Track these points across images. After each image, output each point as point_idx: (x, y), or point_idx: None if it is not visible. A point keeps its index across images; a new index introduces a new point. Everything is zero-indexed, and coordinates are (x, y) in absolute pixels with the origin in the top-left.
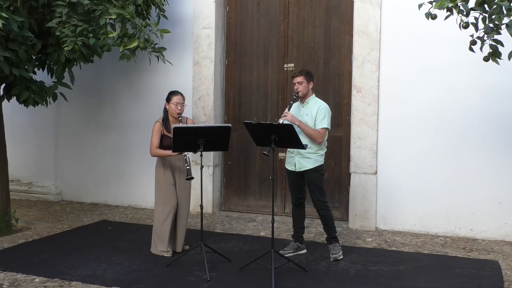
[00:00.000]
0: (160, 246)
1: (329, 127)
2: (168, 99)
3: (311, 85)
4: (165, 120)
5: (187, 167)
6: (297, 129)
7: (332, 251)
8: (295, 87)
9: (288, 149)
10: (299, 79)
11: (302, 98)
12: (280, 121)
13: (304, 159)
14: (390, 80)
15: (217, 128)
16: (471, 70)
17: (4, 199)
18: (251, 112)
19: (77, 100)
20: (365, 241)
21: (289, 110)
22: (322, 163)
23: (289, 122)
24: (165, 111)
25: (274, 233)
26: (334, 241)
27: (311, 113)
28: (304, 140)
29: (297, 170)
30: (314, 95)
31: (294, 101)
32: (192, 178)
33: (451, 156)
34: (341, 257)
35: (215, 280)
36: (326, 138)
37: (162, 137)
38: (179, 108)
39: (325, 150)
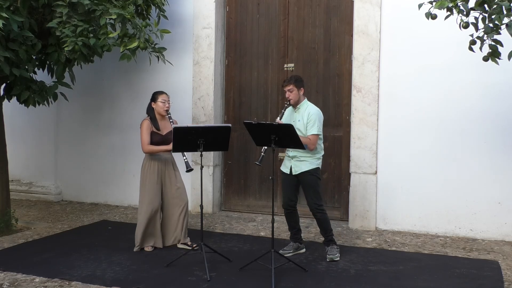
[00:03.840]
0: (137, 240)
1: (320, 133)
2: (154, 99)
3: (301, 91)
4: (153, 119)
5: (185, 160)
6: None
7: (329, 252)
8: (286, 95)
9: (286, 152)
10: (289, 87)
11: (294, 104)
12: None
13: (300, 162)
14: (390, 80)
15: (217, 128)
16: (471, 70)
17: (4, 199)
18: (251, 112)
19: (77, 100)
20: (365, 241)
21: (280, 119)
22: (319, 166)
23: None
24: (152, 111)
25: (274, 233)
26: (331, 244)
27: (302, 118)
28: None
29: (293, 174)
30: (305, 99)
31: (285, 108)
32: (192, 169)
33: (451, 156)
34: (338, 258)
35: (215, 280)
36: (321, 142)
37: (152, 134)
38: (166, 105)
39: (322, 153)
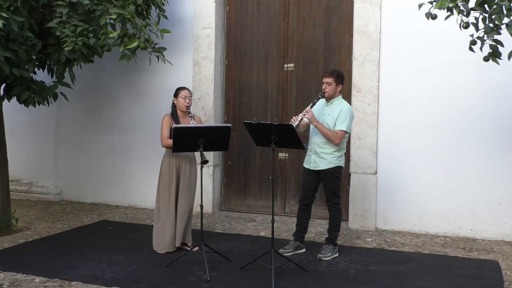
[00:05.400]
0: (156, 244)
1: (349, 131)
2: (176, 94)
3: (339, 88)
4: (174, 115)
5: (200, 150)
6: (313, 129)
7: (322, 251)
8: (323, 86)
9: (309, 146)
10: (329, 79)
11: (328, 98)
12: (299, 117)
13: (319, 159)
14: (390, 80)
15: (217, 128)
16: (471, 70)
17: (4, 199)
18: (251, 112)
19: (77, 100)
20: (365, 241)
21: (311, 107)
22: (338, 165)
23: (306, 120)
24: (173, 106)
25: (274, 233)
26: (329, 243)
27: (333, 113)
28: (320, 139)
29: (311, 169)
30: (340, 96)
31: (318, 99)
32: (207, 161)
33: (451, 156)
34: (327, 258)
35: (215, 280)
36: (345, 140)
37: (171, 129)
38: (187, 101)
39: (342, 152)
